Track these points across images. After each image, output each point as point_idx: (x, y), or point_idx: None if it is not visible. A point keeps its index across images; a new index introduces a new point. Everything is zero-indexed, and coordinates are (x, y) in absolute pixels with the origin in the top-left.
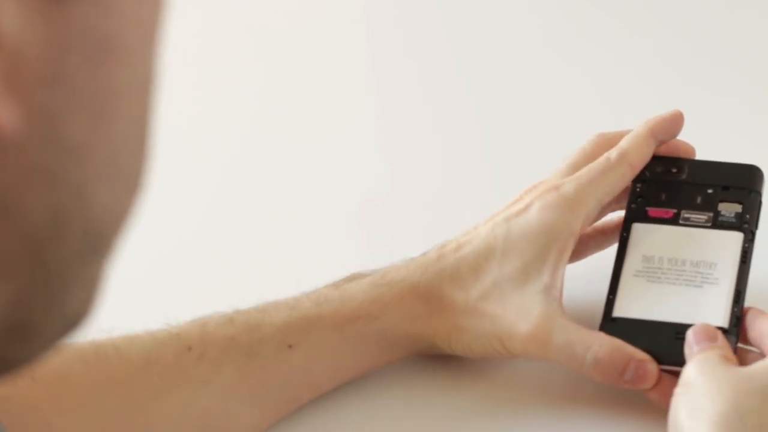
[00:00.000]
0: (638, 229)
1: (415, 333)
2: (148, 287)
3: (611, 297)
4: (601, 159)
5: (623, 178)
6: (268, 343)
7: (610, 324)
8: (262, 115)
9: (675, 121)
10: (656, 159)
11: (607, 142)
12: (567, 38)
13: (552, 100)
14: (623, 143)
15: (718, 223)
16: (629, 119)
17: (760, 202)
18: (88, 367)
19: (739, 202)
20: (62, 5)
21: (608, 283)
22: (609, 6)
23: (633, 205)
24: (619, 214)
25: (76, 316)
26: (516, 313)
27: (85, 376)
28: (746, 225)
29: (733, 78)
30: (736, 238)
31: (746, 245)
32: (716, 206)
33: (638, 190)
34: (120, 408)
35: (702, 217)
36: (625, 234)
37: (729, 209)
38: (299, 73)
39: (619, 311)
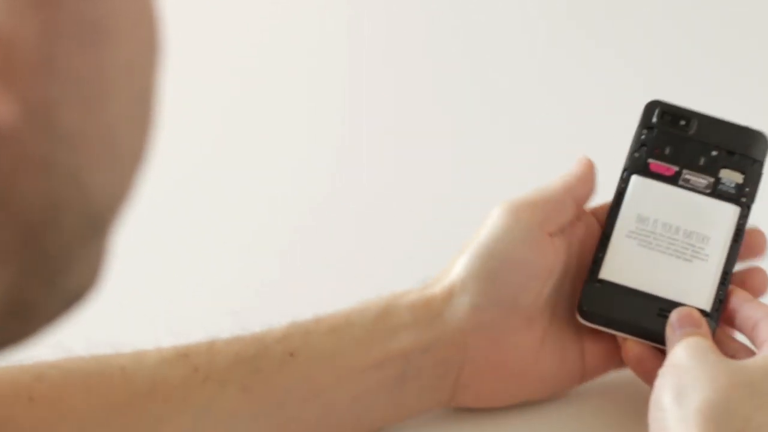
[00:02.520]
0: (637, 182)
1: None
2: (150, 293)
3: (600, 255)
4: None
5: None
6: (272, 355)
7: (596, 285)
8: (240, 114)
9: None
10: (666, 106)
11: None
12: (553, 41)
13: (538, 103)
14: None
15: (717, 192)
16: (617, 122)
17: (761, 174)
18: (89, 389)
19: (742, 172)
20: None
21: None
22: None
23: (636, 154)
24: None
25: (77, 292)
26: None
27: (86, 399)
28: (744, 199)
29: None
30: (732, 212)
31: (741, 221)
32: (718, 172)
33: (643, 137)
34: None
35: (703, 181)
36: (623, 185)
37: (730, 177)
38: (278, 73)
39: (606, 273)
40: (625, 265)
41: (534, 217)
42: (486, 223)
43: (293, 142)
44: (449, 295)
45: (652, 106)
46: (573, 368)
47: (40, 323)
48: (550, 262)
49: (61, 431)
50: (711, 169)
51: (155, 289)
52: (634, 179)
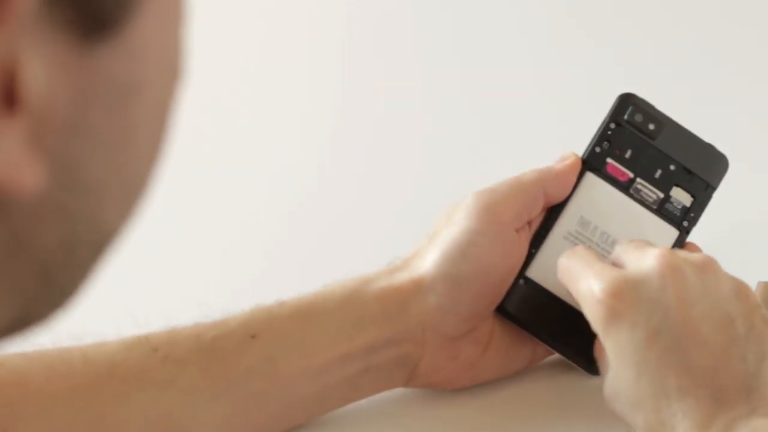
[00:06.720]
0: (590, 181)
1: (385, 300)
2: (118, 289)
3: (533, 251)
4: None
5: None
6: (231, 336)
7: (522, 280)
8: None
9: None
10: (641, 104)
11: None
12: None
13: (533, 99)
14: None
15: (663, 210)
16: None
17: (709, 200)
18: (51, 373)
19: (693, 195)
20: (88, 57)
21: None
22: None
23: (597, 148)
24: None
25: (66, 304)
26: None
27: (48, 382)
28: (686, 223)
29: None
30: (671, 235)
31: (676, 246)
32: (670, 189)
33: (609, 133)
34: (81, 416)
35: (653, 195)
36: (577, 179)
37: (679, 198)
38: (258, 75)
39: (533, 272)
40: (554, 269)
41: (507, 216)
42: (458, 216)
43: (276, 140)
44: (417, 288)
45: (626, 100)
46: (521, 353)
47: (29, 332)
48: (515, 262)
49: (24, 413)
50: (664, 185)
51: (123, 285)
52: (588, 177)
